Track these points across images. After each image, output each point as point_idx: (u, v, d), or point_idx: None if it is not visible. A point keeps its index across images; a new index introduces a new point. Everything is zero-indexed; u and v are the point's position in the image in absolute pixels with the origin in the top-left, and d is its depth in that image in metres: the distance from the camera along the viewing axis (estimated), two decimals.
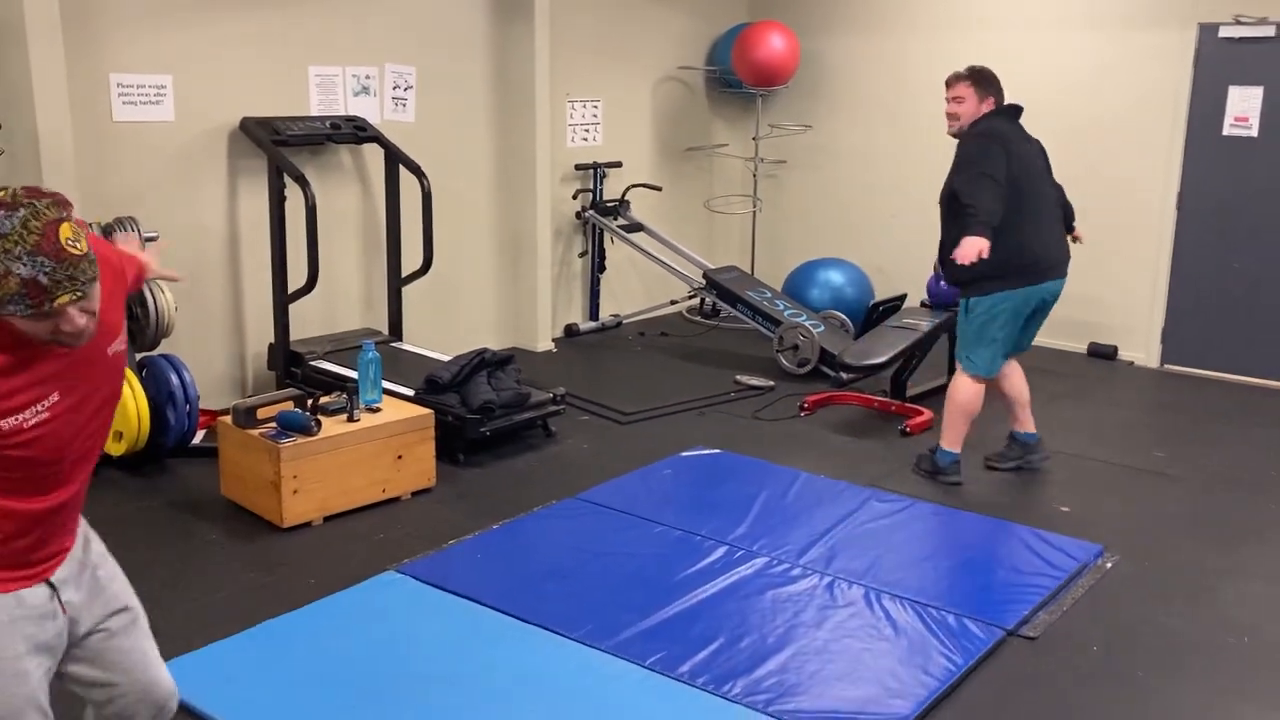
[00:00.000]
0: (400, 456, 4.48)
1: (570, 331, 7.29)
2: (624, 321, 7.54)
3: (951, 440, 4.71)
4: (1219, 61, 6.26)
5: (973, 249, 4.16)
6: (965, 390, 4.62)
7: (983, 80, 4.53)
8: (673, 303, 7.55)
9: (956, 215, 4.35)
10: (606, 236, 7.28)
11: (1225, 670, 3.31)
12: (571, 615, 3.48)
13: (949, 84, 4.58)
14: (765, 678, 3.16)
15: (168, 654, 3.18)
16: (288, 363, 5.48)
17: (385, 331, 5.97)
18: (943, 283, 5.24)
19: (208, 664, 3.16)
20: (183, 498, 4.48)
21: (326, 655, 3.24)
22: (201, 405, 4.93)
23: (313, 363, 5.43)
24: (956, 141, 4.53)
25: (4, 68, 4.57)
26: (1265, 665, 3.35)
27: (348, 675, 3.14)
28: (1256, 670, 3.32)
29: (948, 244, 4.41)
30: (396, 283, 5.95)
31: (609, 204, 7.25)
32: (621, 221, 7.26)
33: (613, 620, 3.45)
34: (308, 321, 5.73)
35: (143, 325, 4.69)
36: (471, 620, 3.48)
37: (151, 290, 4.68)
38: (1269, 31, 6.08)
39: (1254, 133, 6.23)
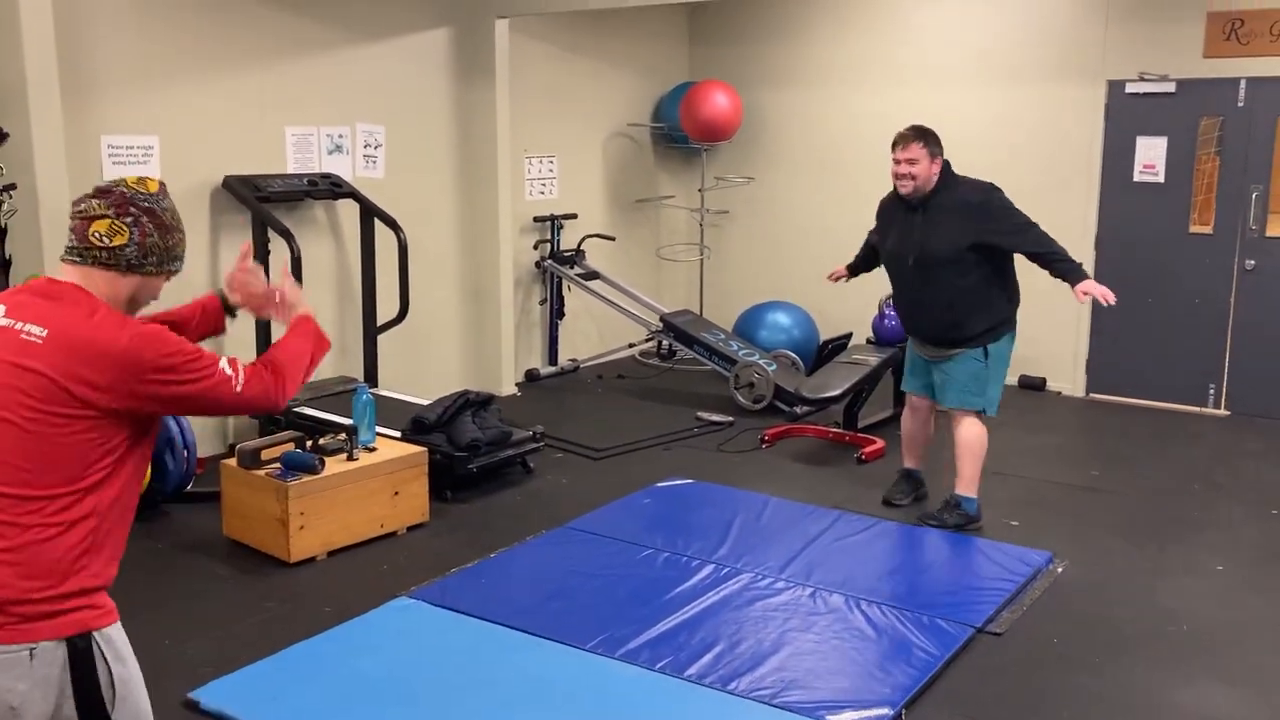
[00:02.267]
0: (397, 493, 4.72)
1: (531, 376, 7.58)
2: (581, 365, 7.86)
3: (974, 486, 4.82)
4: (1127, 114, 6.86)
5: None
6: (979, 431, 4.82)
7: (933, 139, 4.62)
8: (630, 345, 7.90)
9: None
10: (564, 284, 7.62)
11: (1169, 653, 3.72)
12: (581, 629, 3.76)
13: (902, 144, 4.60)
14: (766, 675, 3.48)
15: (206, 677, 3.43)
16: None
17: (361, 378, 6.19)
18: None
19: (249, 684, 3.37)
20: (187, 539, 4.66)
21: (359, 672, 3.47)
22: None
23: (297, 409, 5.63)
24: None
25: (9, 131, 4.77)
26: (1203, 647, 3.77)
27: (382, 688, 3.38)
28: (1196, 652, 3.73)
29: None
30: (372, 331, 6.20)
31: (566, 254, 7.59)
32: (578, 270, 7.60)
33: (620, 632, 3.74)
34: None
35: None
36: (488, 636, 3.74)
37: None
38: (1170, 88, 6.70)
39: (1160, 179, 6.82)
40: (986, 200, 4.62)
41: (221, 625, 3.87)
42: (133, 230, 2.06)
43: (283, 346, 2.31)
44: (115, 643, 2.02)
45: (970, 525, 4.80)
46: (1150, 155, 6.85)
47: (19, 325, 1.99)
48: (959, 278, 4.60)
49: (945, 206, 4.60)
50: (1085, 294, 4.57)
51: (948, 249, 4.58)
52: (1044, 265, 4.68)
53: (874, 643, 3.72)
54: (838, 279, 5.34)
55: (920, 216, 4.64)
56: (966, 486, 4.82)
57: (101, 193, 2.08)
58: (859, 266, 5.29)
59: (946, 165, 4.67)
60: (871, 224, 5.10)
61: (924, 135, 4.59)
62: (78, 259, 2.06)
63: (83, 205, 2.07)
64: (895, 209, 4.81)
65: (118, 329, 2.00)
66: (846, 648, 3.68)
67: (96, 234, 2.04)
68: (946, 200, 4.61)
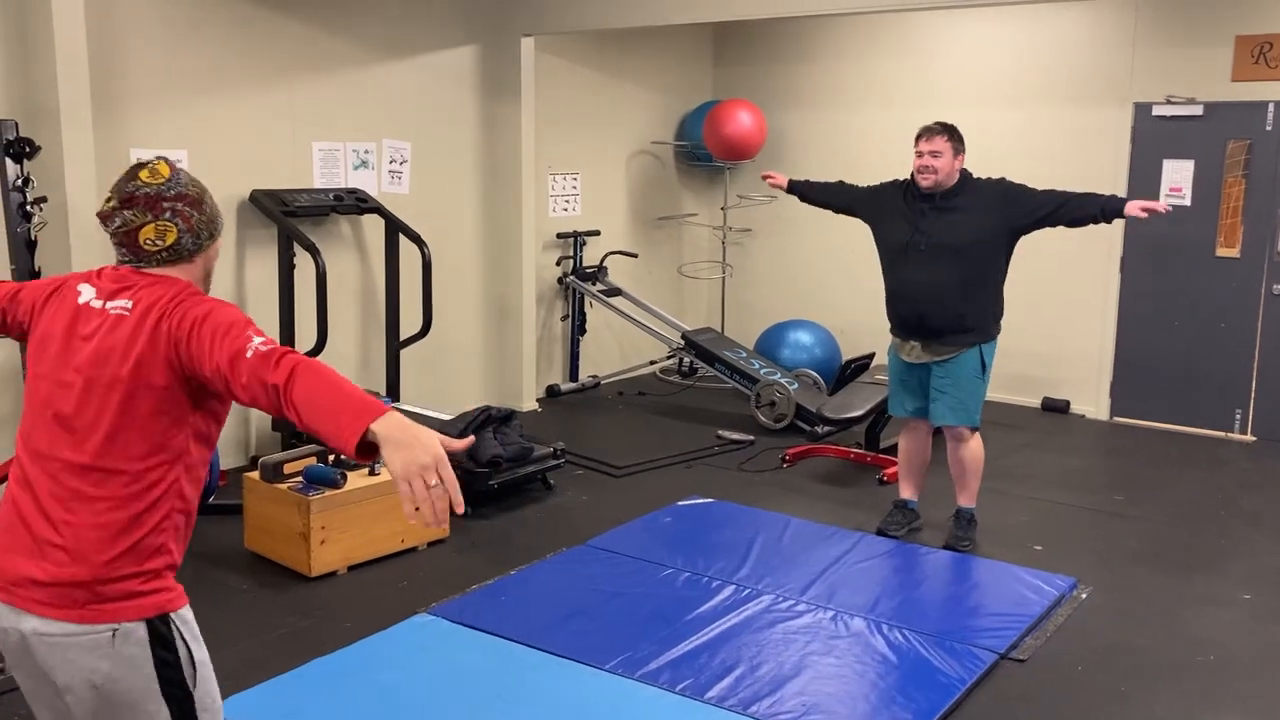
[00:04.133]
0: (418, 508, 4.71)
1: (552, 392, 7.58)
2: (602, 382, 7.86)
3: (975, 497, 4.95)
4: (1154, 137, 6.83)
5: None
6: (980, 446, 4.84)
7: (958, 136, 4.67)
8: (652, 363, 7.90)
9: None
10: (586, 301, 7.63)
11: (1196, 684, 3.68)
12: (600, 648, 3.75)
13: (926, 135, 4.63)
14: (787, 699, 3.45)
15: (226, 691, 3.40)
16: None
17: (383, 392, 6.21)
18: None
19: (270, 699, 3.38)
20: (208, 551, 4.66)
21: (379, 688, 3.47)
22: None
23: None
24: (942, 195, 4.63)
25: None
26: (1231, 678, 3.72)
27: (402, 705, 3.38)
28: (1224, 682, 3.69)
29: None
30: (396, 345, 6.22)
31: (588, 270, 7.60)
32: (601, 286, 7.61)
33: (639, 653, 3.72)
34: None
35: None
36: (507, 655, 3.73)
37: None
38: (1197, 110, 6.66)
39: (1187, 202, 6.78)
40: (1006, 187, 4.67)
41: (242, 639, 3.87)
42: (176, 222, 2.07)
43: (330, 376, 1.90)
44: (191, 624, 2.09)
45: None
46: (1177, 178, 6.81)
47: (109, 304, 2.04)
48: (969, 267, 4.62)
49: (963, 201, 4.62)
50: (1144, 211, 4.46)
51: (965, 238, 4.59)
52: (1082, 212, 4.61)
53: (896, 668, 3.69)
54: (771, 180, 5.29)
55: (931, 205, 4.64)
56: (972, 498, 4.93)
57: (126, 201, 2.07)
58: (804, 189, 5.21)
59: (964, 168, 4.69)
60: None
61: (949, 130, 4.63)
62: (143, 264, 2.09)
63: (117, 220, 2.07)
64: (896, 198, 4.78)
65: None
66: (868, 672, 3.66)
67: (148, 240, 2.06)
68: (965, 196, 4.63)
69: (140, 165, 2.11)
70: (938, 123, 4.68)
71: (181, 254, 2.09)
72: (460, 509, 1.77)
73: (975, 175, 4.77)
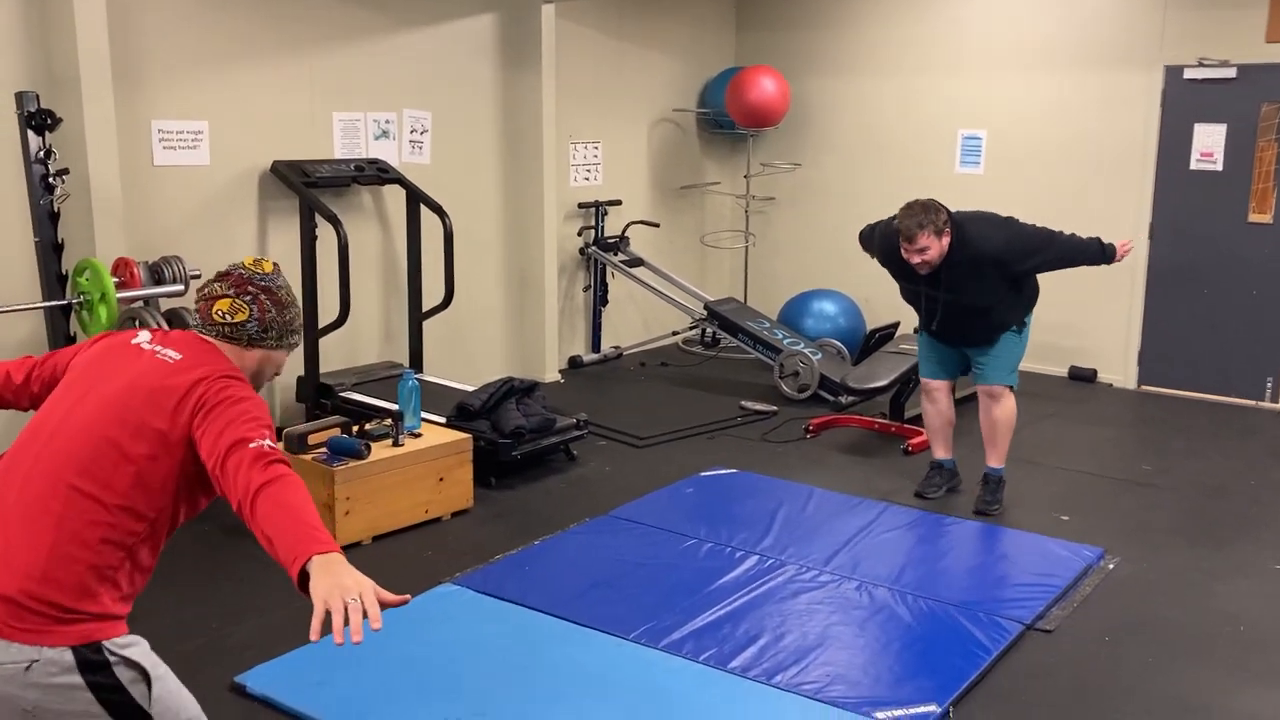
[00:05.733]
0: (441, 479, 4.73)
1: (574, 363, 7.57)
2: (624, 353, 7.84)
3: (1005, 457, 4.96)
4: (1184, 101, 6.71)
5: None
6: (1014, 405, 4.91)
7: (935, 217, 4.50)
8: (675, 333, 7.87)
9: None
10: (608, 271, 7.60)
11: (1225, 655, 3.64)
12: (624, 619, 3.75)
13: (907, 240, 4.50)
14: (810, 669, 3.44)
15: (251, 661, 3.45)
16: (318, 394, 5.71)
17: (406, 363, 6.21)
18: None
19: (296, 668, 3.39)
20: (232, 523, 4.60)
21: (404, 658, 3.48)
22: None
23: (343, 394, 5.66)
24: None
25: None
26: (1260, 649, 3.68)
27: (426, 675, 3.39)
28: (1252, 654, 3.65)
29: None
30: (418, 317, 6.21)
31: (610, 240, 7.57)
32: (622, 257, 7.58)
33: (663, 622, 3.72)
34: (330, 355, 5.95)
35: None
36: (531, 624, 3.74)
37: None
38: (1230, 73, 6.53)
39: (1219, 167, 6.67)
40: (1007, 246, 4.58)
41: (267, 609, 3.89)
42: (252, 307, 2.20)
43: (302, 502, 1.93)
44: (137, 644, 2.02)
45: None
46: (1208, 142, 6.69)
47: (159, 349, 2.14)
48: (991, 307, 4.69)
49: (967, 261, 4.56)
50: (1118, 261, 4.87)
51: (979, 299, 4.64)
52: (1078, 265, 4.84)
53: (920, 638, 3.67)
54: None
55: (936, 278, 4.63)
56: (1002, 459, 4.93)
57: (221, 276, 2.24)
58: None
59: (953, 222, 4.55)
60: None
61: (924, 223, 4.46)
62: (207, 332, 2.21)
63: (205, 289, 2.24)
64: (899, 252, 4.63)
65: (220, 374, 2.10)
66: (892, 643, 3.64)
67: (219, 312, 2.19)
68: (966, 255, 4.56)
69: (254, 259, 2.28)
70: (911, 218, 4.49)
71: (241, 336, 2.19)
72: (377, 625, 1.70)
73: (968, 216, 4.64)
